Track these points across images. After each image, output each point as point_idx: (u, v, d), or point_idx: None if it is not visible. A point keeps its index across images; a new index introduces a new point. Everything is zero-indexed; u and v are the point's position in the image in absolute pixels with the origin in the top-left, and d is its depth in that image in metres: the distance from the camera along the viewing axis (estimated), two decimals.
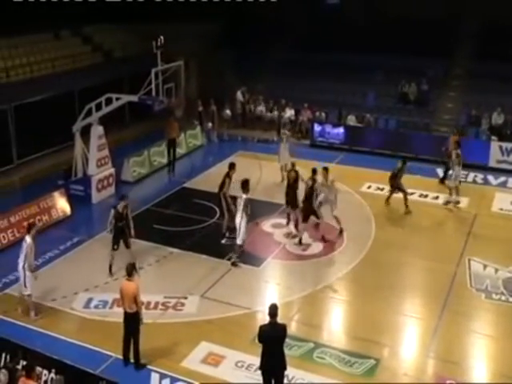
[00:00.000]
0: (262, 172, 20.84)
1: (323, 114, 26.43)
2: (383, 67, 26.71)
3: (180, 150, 23.22)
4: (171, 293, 13.69)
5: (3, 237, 15.85)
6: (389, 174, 18.65)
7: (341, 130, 24.87)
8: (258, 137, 26.11)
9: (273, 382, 9.87)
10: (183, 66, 19.59)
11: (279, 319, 9.84)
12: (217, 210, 17.46)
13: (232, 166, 16.30)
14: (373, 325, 12.68)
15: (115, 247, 14.50)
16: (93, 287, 13.92)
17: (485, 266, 15.02)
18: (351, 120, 25.69)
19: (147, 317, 11.72)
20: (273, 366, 9.81)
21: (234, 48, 29.15)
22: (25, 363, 10.02)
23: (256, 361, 10.20)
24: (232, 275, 14.69)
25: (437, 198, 19.23)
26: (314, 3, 31.13)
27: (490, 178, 21.32)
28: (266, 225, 17.24)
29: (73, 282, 14.10)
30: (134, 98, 18.74)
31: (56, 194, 17.76)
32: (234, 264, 15.03)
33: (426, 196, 19.45)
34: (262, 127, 26.88)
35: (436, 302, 13.46)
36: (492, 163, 22.24)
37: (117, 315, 12.03)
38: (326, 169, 16.77)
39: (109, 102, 18.93)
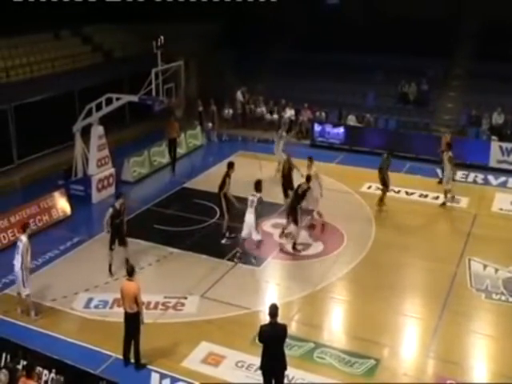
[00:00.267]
0: (262, 172, 20.82)
1: (323, 114, 26.45)
2: (383, 67, 26.73)
3: (180, 150, 23.23)
4: (171, 293, 13.69)
5: (3, 237, 15.86)
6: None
7: (341, 129, 24.88)
8: (258, 137, 26.10)
9: (273, 382, 9.88)
10: (183, 66, 19.59)
11: (279, 319, 9.84)
12: (217, 209, 17.46)
13: (231, 166, 16.29)
14: (373, 325, 12.68)
15: (113, 247, 14.51)
16: (93, 287, 13.92)
17: (485, 266, 15.02)
18: (351, 120, 25.70)
19: (147, 317, 11.72)
20: (273, 366, 9.81)
21: (234, 48, 29.16)
22: (25, 363, 10.02)
23: (256, 361, 10.20)
24: (232, 275, 14.70)
25: (437, 198, 19.21)
26: (313, 3, 31.16)
27: (491, 178, 21.32)
28: (267, 225, 17.23)
29: (73, 281, 14.10)
30: (134, 98, 18.75)
31: (56, 194, 17.77)
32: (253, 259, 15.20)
33: (426, 196, 19.44)
34: (262, 127, 26.88)
35: (436, 302, 13.46)
36: (492, 163, 22.24)
37: (117, 315, 12.03)
38: (310, 159, 16.78)
39: (109, 102, 18.94)
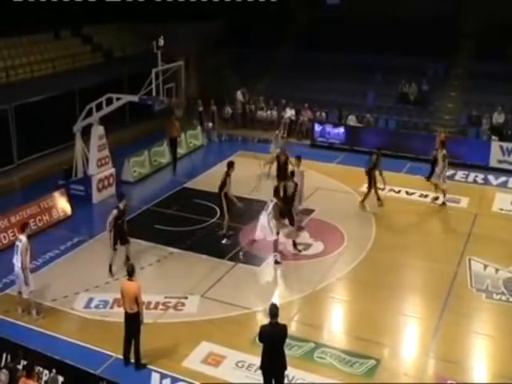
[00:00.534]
0: (262, 172, 20.77)
1: (323, 114, 26.45)
2: (383, 67, 26.72)
3: (180, 150, 23.24)
4: (172, 293, 13.68)
5: (4, 237, 15.85)
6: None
7: (341, 130, 24.89)
8: (258, 137, 26.09)
9: (273, 382, 9.87)
10: (183, 66, 19.59)
11: (280, 319, 9.82)
12: (217, 209, 17.45)
13: (231, 165, 16.27)
14: (373, 325, 12.68)
15: (116, 247, 14.50)
16: (93, 287, 13.91)
17: (485, 266, 15.02)
18: (351, 120, 25.71)
19: (148, 317, 11.73)
20: (273, 366, 9.80)
21: (234, 48, 29.20)
22: (25, 363, 10.01)
23: (256, 361, 10.20)
24: (232, 275, 14.70)
25: (437, 198, 19.18)
26: (314, 4, 31.17)
27: (491, 177, 21.32)
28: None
29: (73, 281, 14.10)
30: (135, 98, 18.74)
31: (56, 194, 17.76)
32: (276, 262, 15.17)
33: (427, 196, 19.42)
34: (262, 127, 26.88)
35: (436, 302, 13.46)
36: (492, 163, 22.25)
37: (117, 315, 12.02)
38: (299, 158, 16.83)
39: (109, 102, 18.94)
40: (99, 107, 18.99)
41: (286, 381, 10.31)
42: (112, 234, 14.43)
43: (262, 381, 9.99)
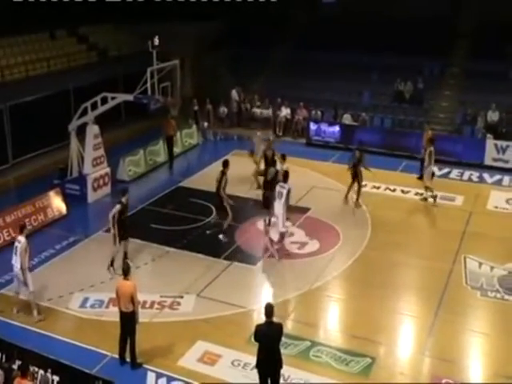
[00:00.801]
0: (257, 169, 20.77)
1: (319, 113, 26.46)
2: (379, 66, 26.73)
3: (176, 149, 23.23)
4: (167, 292, 13.68)
5: None
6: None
7: (336, 128, 24.91)
8: (253, 136, 26.02)
9: (269, 380, 9.88)
10: (179, 65, 19.57)
11: (275, 318, 9.84)
12: (213, 208, 17.47)
13: (226, 164, 16.27)
14: (369, 323, 12.70)
15: (120, 242, 14.48)
16: (89, 287, 13.89)
17: (480, 264, 15.06)
18: (347, 119, 25.72)
19: (143, 316, 11.73)
20: (269, 365, 9.81)
21: (229, 47, 29.16)
22: (20, 363, 9.99)
23: (252, 360, 10.20)
24: (228, 274, 14.70)
25: (434, 196, 19.21)
26: (310, 3, 31.18)
27: (486, 176, 21.37)
28: (263, 223, 17.19)
29: (69, 281, 14.08)
30: (130, 97, 18.72)
31: (51, 194, 17.72)
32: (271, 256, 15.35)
33: (422, 194, 19.44)
34: (258, 126, 26.83)
35: (432, 300, 13.49)
36: (487, 161, 22.29)
37: (113, 315, 11.99)
38: (283, 157, 16.91)
39: (104, 101, 18.91)
40: (94, 106, 18.95)
41: (281, 379, 10.30)
42: (116, 229, 14.31)
43: (257, 380, 9.99)
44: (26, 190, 18.84)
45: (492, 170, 21.76)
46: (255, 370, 10.01)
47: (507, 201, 19.06)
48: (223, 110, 27.21)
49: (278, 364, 9.80)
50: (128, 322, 11.08)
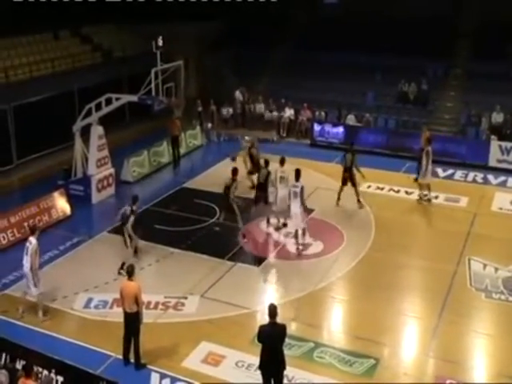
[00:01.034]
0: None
1: (323, 114, 26.45)
2: (383, 67, 26.71)
3: (180, 150, 23.22)
4: (171, 293, 13.69)
5: (3, 237, 15.85)
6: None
7: (340, 129, 24.89)
8: (257, 136, 26.03)
9: (272, 381, 9.88)
10: (183, 65, 19.58)
11: (279, 319, 9.84)
12: (217, 209, 17.50)
13: (235, 172, 16.34)
14: (373, 324, 12.68)
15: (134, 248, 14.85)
16: (93, 287, 13.91)
17: (485, 266, 15.02)
18: (351, 120, 25.69)
19: (147, 317, 11.73)
20: (272, 366, 9.81)
21: (233, 48, 29.18)
22: (24, 363, 10.01)
23: (256, 361, 10.17)
24: (232, 275, 14.70)
25: (436, 197, 19.21)
26: (313, 3, 31.18)
27: (490, 177, 21.31)
28: (266, 224, 17.21)
29: (73, 282, 14.10)
30: (134, 98, 18.75)
31: (56, 194, 17.75)
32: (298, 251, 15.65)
33: (425, 195, 19.39)
34: (262, 127, 26.87)
35: (436, 302, 13.46)
36: (492, 162, 22.23)
37: (117, 315, 12.02)
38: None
39: (108, 102, 18.94)
40: (99, 107, 18.98)
41: (285, 380, 10.34)
42: (131, 229, 14.52)
43: (261, 381, 9.98)
44: (30, 190, 18.88)
45: (496, 171, 21.69)
46: (259, 371, 10.00)
47: None
48: (227, 110, 27.20)
49: (282, 365, 9.80)
50: (132, 322, 11.09)
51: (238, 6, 28.16)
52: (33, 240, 12.63)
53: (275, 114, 26.85)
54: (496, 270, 14.83)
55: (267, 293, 14.34)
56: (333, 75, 26.67)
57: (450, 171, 21.69)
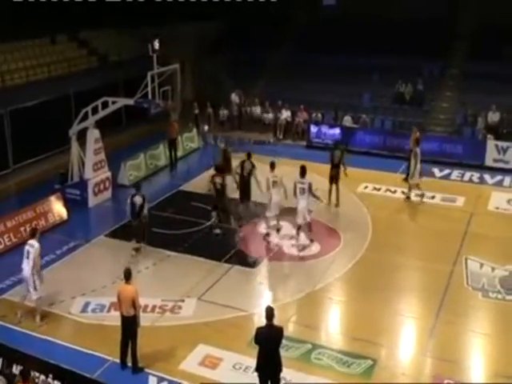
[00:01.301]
0: (258, 173, 20.80)
1: (319, 115, 26.47)
2: (379, 68, 26.75)
3: (177, 153, 23.23)
4: (168, 296, 13.68)
5: None
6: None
7: (337, 130, 24.92)
8: (254, 138, 26.10)
9: (269, 383, 9.88)
10: (179, 69, 19.60)
11: (277, 320, 9.85)
12: (213, 212, 17.50)
13: (221, 171, 16.94)
14: (370, 325, 12.68)
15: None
16: (90, 291, 13.89)
17: (481, 265, 15.04)
18: (347, 121, 25.74)
19: (144, 320, 11.71)
20: (269, 368, 9.81)
21: (229, 50, 29.20)
22: (21, 368, 9.99)
23: (253, 363, 10.17)
24: (229, 277, 14.70)
25: (433, 197, 19.25)
26: (310, 5, 31.22)
27: (487, 176, 21.35)
28: (262, 226, 17.22)
29: (70, 286, 14.08)
30: (130, 102, 18.75)
31: (52, 199, 17.73)
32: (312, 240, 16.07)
33: (422, 195, 19.42)
34: (258, 129, 26.90)
35: (433, 302, 13.47)
36: (488, 162, 22.27)
37: (114, 319, 11.98)
38: (273, 164, 16.76)
39: (105, 105, 18.94)
40: (95, 111, 18.98)
41: (283, 382, 10.32)
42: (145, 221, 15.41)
43: (258, 383, 9.98)
44: (26, 195, 18.86)
45: (493, 170, 21.74)
46: (256, 374, 9.99)
47: (508, 201, 19.05)
48: (224, 113, 27.21)
49: (278, 367, 9.80)
50: (129, 326, 11.08)
51: (234, 8, 28.23)
52: (35, 243, 12.63)
53: (271, 115, 26.87)
54: (493, 269, 14.85)
55: (264, 295, 14.34)
56: (329, 77, 26.70)
57: (447, 171, 21.74)
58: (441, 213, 18.43)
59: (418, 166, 18.67)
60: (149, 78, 17.76)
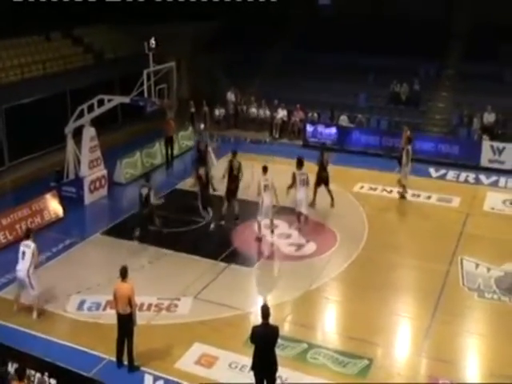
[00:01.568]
0: (254, 173, 20.80)
1: (315, 115, 26.47)
2: (375, 68, 26.78)
3: (173, 151, 23.19)
4: (164, 294, 13.65)
5: None
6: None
7: (333, 130, 24.94)
8: (250, 137, 26.09)
9: (265, 382, 9.87)
10: (175, 67, 19.56)
11: (272, 320, 9.85)
12: (210, 210, 17.50)
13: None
14: (366, 325, 12.69)
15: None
16: (86, 289, 13.85)
17: (477, 265, 15.08)
18: (343, 120, 25.74)
19: (140, 318, 11.67)
20: (265, 367, 9.81)
21: (225, 49, 29.15)
22: (17, 366, 9.95)
23: (249, 362, 10.14)
24: (225, 276, 14.68)
25: (429, 197, 19.29)
26: (306, 5, 31.21)
27: (482, 177, 21.38)
28: (255, 229, 17.13)
29: (66, 284, 14.02)
30: (126, 100, 18.71)
31: (48, 196, 17.67)
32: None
33: (419, 196, 19.48)
34: (255, 128, 26.88)
35: (429, 302, 13.49)
36: (484, 163, 22.31)
37: (110, 317, 11.99)
38: (265, 169, 16.49)
39: (101, 103, 18.88)
40: (91, 109, 18.92)
41: (279, 381, 10.32)
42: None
43: (254, 382, 9.98)
44: (22, 192, 18.80)
45: (488, 171, 21.77)
46: (252, 373, 9.99)
47: (503, 202, 19.10)
48: (219, 111, 27.18)
49: (274, 366, 9.80)
50: (125, 324, 11.06)
51: (230, 7, 28.16)
52: (31, 243, 12.62)
53: (267, 112, 26.86)
54: (488, 269, 14.89)
55: (260, 294, 14.33)
56: (326, 76, 26.71)
57: (443, 171, 21.78)
58: (436, 213, 18.46)
59: (409, 164, 18.79)
60: (145, 76, 17.72)
